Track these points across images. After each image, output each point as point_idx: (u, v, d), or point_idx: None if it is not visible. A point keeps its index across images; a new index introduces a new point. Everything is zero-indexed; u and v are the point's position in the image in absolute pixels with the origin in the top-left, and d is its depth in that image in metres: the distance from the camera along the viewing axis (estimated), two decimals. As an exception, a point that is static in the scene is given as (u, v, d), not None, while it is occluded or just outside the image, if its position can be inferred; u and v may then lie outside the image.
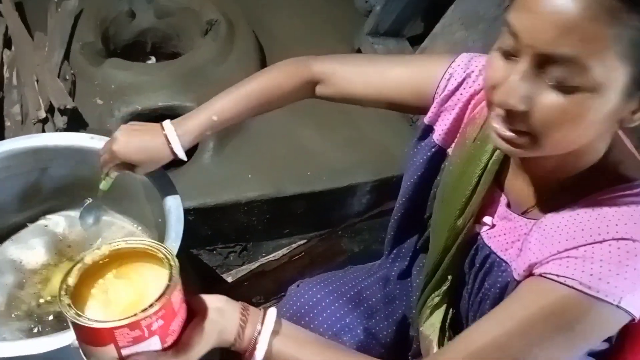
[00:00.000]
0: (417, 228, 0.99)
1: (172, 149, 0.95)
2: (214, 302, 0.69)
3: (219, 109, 0.96)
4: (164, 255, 0.66)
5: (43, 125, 1.47)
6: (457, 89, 0.84)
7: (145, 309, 0.59)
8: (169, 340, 0.65)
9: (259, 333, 0.69)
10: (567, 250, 0.65)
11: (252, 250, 1.75)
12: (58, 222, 1.21)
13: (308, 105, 1.86)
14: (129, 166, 0.97)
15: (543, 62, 0.58)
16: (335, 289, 1.02)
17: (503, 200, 0.80)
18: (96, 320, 0.59)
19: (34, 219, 1.20)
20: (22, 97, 1.55)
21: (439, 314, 0.92)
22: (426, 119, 0.89)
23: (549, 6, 0.56)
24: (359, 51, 2.11)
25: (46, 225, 1.21)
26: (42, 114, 1.47)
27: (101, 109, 1.61)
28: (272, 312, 0.72)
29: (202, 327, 0.66)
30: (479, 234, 0.82)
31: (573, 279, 0.63)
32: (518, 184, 0.78)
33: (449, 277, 0.87)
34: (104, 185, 1.03)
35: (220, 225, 1.65)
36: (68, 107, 1.49)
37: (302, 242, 1.65)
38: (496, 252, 0.79)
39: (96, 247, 0.67)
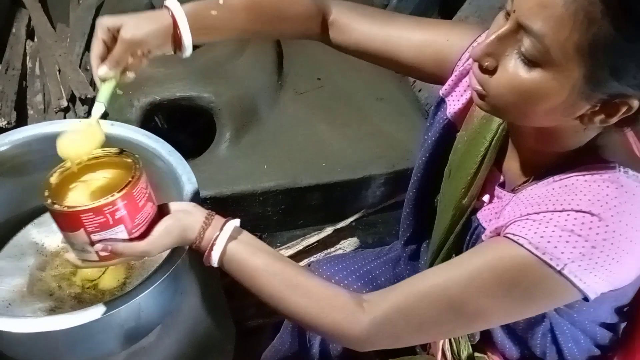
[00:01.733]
0: (430, 208, 1.00)
1: (177, 28, 0.77)
2: (183, 205, 0.78)
3: (224, 6, 0.81)
4: (132, 160, 0.77)
5: (65, 114, 1.51)
6: None
7: (107, 197, 0.70)
8: (135, 232, 0.74)
9: (218, 236, 0.75)
10: (529, 214, 0.67)
11: (267, 240, 1.78)
12: (77, 206, 1.24)
13: (323, 99, 1.89)
14: (138, 59, 0.78)
15: (520, 31, 0.60)
16: (345, 267, 1.03)
17: (500, 179, 0.81)
18: (66, 206, 0.70)
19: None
20: (45, 87, 1.58)
21: None
22: (441, 91, 0.89)
23: None
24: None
25: (67, 210, 1.24)
26: (64, 103, 1.50)
27: (121, 99, 1.64)
28: (234, 221, 0.78)
29: (166, 223, 0.75)
30: (477, 210, 0.84)
31: (525, 238, 0.65)
32: (513, 164, 0.79)
33: (453, 255, 0.89)
34: (102, 96, 0.81)
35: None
36: (89, 96, 1.53)
37: (316, 233, 1.67)
38: (482, 222, 0.82)
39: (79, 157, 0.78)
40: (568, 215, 0.64)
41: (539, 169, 0.74)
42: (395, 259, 1.08)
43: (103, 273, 1.12)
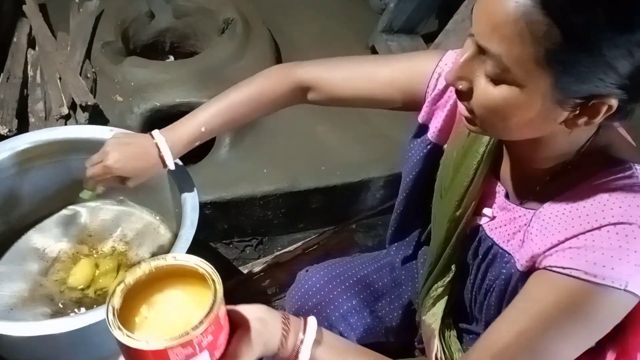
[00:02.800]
0: (419, 221, 1.01)
1: (163, 160, 0.97)
2: (255, 312, 0.69)
3: (206, 119, 0.98)
4: (205, 271, 0.65)
5: (65, 121, 1.52)
6: (447, 86, 0.85)
7: (196, 327, 0.59)
8: (217, 354, 0.64)
9: (302, 342, 0.70)
10: (567, 239, 0.67)
11: (267, 244, 1.78)
12: (80, 212, 1.26)
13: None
14: (119, 179, 0.98)
15: (482, 52, 0.62)
16: (342, 273, 1.04)
17: (501, 190, 0.81)
18: (151, 342, 0.58)
19: (56, 210, 1.25)
20: (46, 95, 1.60)
21: (441, 304, 0.94)
22: (420, 118, 0.91)
23: (484, 2, 0.60)
24: (372, 48, 2.13)
25: (69, 215, 1.25)
26: (65, 110, 1.51)
27: (121, 106, 1.66)
28: (312, 321, 0.72)
29: (248, 338, 0.66)
30: (480, 225, 0.84)
31: (578, 270, 0.65)
32: (513, 174, 0.80)
33: (453, 267, 0.89)
34: (85, 194, 1.05)
35: (236, 219, 1.68)
36: (89, 103, 1.54)
37: (316, 235, 1.68)
38: (499, 243, 0.81)
39: (137, 266, 0.67)
40: (608, 232, 0.64)
41: (543, 177, 0.74)
42: (391, 263, 1.08)
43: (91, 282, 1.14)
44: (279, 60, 1.99)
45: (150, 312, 0.67)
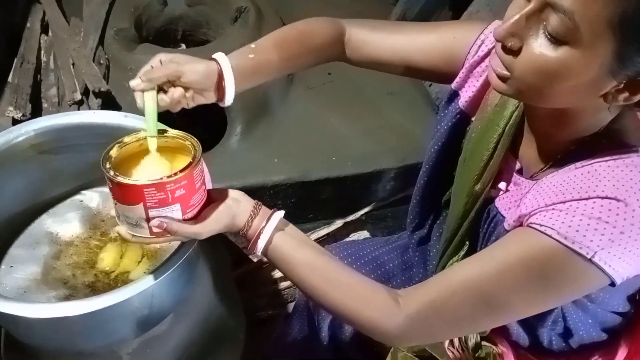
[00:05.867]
0: (439, 197, 1.01)
1: (220, 75, 0.83)
2: (232, 193, 0.81)
3: (255, 48, 0.88)
4: (191, 143, 0.79)
5: (78, 107, 1.53)
6: (487, 55, 0.84)
7: (170, 175, 0.72)
8: (189, 213, 0.77)
9: (265, 226, 0.77)
10: (554, 203, 0.67)
11: (278, 233, 1.79)
12: (92, 197, 1.26)
13: (334, 93, 1.89)
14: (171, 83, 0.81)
15: (546, 9, 0.60)
16: (355, 252, 1.05)
17: (516, 166, 0.82)
18: (131, 179, 0.73)
19: (69, 194, 1.25)
20: (59, 80, 1.60)
21: None
22: (453, 84, 0.90)
23: None
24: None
25: (81, 201, 1.25)
26: (78, 96, 1.52)
27: (133, 93, 1.65)
28: (280, 212, 0.80)
29: (218, 208, 0.77)
30: (494, 199, 0.84)
31: (552, 229, 0.65)
32: (530, 151, 0.80)
33: (467, 242, 0.89)
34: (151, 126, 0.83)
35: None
36: (102, 89, 1.54)
37: (326, 226, 1.68)
38: (501, 211, 0.82)
39: (136, 133, 0.82)
40: (594, 202, 0.64)
41: (556, 154, 0.74)
42: (403, 246, 1.09)
43: (119, 266, 1.14)
44: (291, 50, 1.98)
45: (138, 169, 0.80)
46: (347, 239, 1.08)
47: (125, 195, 0.74)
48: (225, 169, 1.61)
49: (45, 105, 1.54)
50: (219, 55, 0.84)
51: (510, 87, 0.67)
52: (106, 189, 1.26)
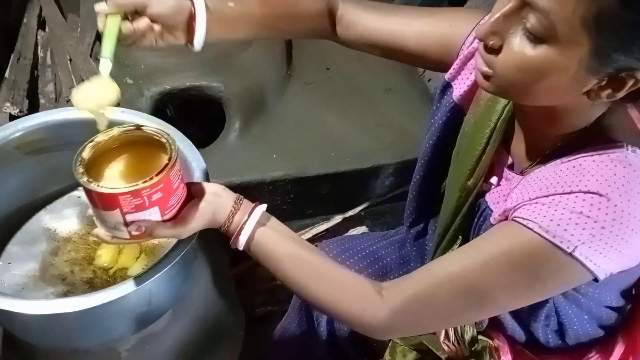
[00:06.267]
0: (436, 192, 1.01)
1: (192, 11, 0.77)
2: (212, 187, 0.78)
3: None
4: (167, 140, 0.75)
5: (76, 103, 1.52)
6: None
7: (146, 180, 0.69)
8: (168, 214, 0.75)
9: (246, 221, 0.76)
10: (538, 197, 0.67)
11: (276, 229, 1.79)
12: (90, 194, 1.26)
13: (332, 89, 1.89)
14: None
15: (525, 8, 0.60)
16: (352, 247, 1.05)
17: (508, 161, 0.82)
18: (105, 187, 0.69)
19: (67, 191, 1.25)
20: (56, 77, 1.60)
21: None
22: (447, 76, 0.89)
23: None
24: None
25: (79, 197, 1.25)
26: (75, 92, 1.51)
27: (131, 89, 1.65)
28: (262, 206, 0.79)
29: (198, 206, 0.75)
30: (485, 193, 0.84)
31: (534, 222, 0.65)
32: (520, 147, 0.79)
33: (460, 236, 0.89)
34: (108, 47, 0.76)
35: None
36: (100, 85, 1.54)
37: (325, 222, 1.68)
38: (489, 205, 0.82)
39: (108, 129, 0.77)
40: (577, 197, 0.64)
41: (545, 150, 0.74)
42: (401, 241, 1.09)
43: (117, 262, 1.14)
44: (289, 46, 1.97)
45: (112, 170, 0.77)
46: (345, 235, 1.08)
47: (100, 201, 0.71)
48: (224, 166, 1.61)
49: (42, 101, 1.54)
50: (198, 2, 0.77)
51: (493, 85, 0.67)
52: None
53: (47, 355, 1.06)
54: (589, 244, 0.63)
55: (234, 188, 1.57)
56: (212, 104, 1.70)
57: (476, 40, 0.83)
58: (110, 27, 0.75)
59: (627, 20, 0.55)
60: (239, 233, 0.76)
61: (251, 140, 1.68)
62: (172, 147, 0.74)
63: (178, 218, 0.75)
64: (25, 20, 1.75)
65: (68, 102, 1.51)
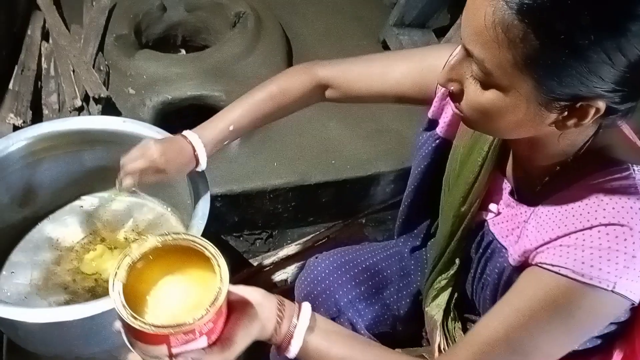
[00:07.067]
0: (427, 214, 1.02)
1: (197, 159, 0.99)
2: (252, 295, 0.71)
3: (234, 118, 1.00)
4: (211, 254, 0.66)
5: (79, 113, 1.53)
6: None
7: (201, 317, 0.61)
8: (214, 337, 0.67)
9: (295, 328, 0.72)
10: (559, 237, 0.67)
11: (277, 237, 1.80)
12: (92, 202, 1.27)
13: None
14: (156, 175, 0.96)
15: (469, 57, 0.62)
16: (351, 260, 1.05)
17: (507, 187, 0.82)
18: (155, 326, 0.60)
19: (69, 200, 1.26)
20: (59, 87, 1.61)
21: (444, 296, 0.95)
22: (430, 113, 0.92)
23: (471, 7, 0.60)
24: (384, 43, 2.13)
25: (81, 206, 1.26)
26: (78, 103, 1.53)
27: (133, 99, 1.67)
28: (306, 307, 0.74)
29: (243, 323, 0.68)
30: (486, 220, 0.84)
31: (567, 268, 0.65)
32: (517, 172, 0.80)
33: (457, 260, 0.90)
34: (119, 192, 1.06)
35: (247, 212, 1.69)
36: (102, 96, 1.55)
37: (325, 229, 1.68)
38: (498, 238, 0.81)
39: (144, 240, 0.68)
40: (599, 232, 0.64)
41: (542, 176, 0.74)
42: (400, 252, 1.09)
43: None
44: (289, 55, 1.99)
45: (154, 291, 0.68)
46: (344, 247, 1.07)
47: (146, 338, 0.63)
48: (225, 174, 1.62)
49: (45, 112, 1.55)
50: (193, 138, 0.97)
51: (468, 123, 0.70)
52: (105, 194, 1.28)
53: (50, 364, 1.07)
54: (626, 277, 0.63)
55: (235, 196, 1.62)
56: (214, 112, 1.72)
57: None
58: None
59: (555, 59, 0.56)
60: (289, 342, 0.72)
61: (252, 149, 1.69)
62: (220, 264, 0.66)
63: (223, 339, 0.68)
64: (29, 31, 1.77)
65: (71, 113, 1.52)
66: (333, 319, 1.01)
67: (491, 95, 0.62)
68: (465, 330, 0.98)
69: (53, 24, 1.80)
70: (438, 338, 0.96)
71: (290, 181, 1.65)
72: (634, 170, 0.67)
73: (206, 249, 0.67)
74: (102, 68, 1.69)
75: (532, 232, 0.72)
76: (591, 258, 0.64)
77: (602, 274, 0.63)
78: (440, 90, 0.88)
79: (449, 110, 0.89)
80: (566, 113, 0.61)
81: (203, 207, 1.04)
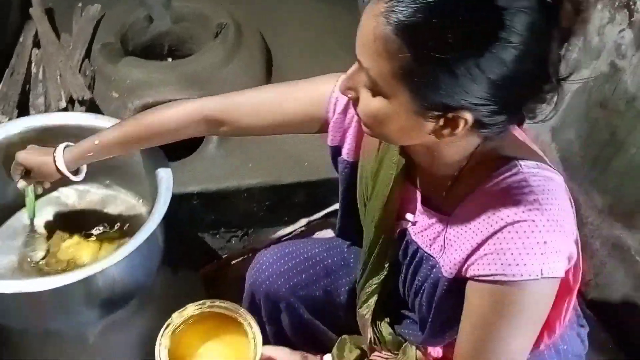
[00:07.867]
0: (359, 223, 1.04)
1: (57, 167, 1.10)
2: (279, 355, 0.86)
3: (103, 133, 1.09)
4: (245, 320, 0.82)
5: (63, 114, 1.62)
6: (346, 108, 0.91)
7: None
8: None
9: None
10: (479, 245, 0.75)
11: (253, 236, 1.86)
12: (68, 194, 1.36)
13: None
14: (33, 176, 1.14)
15: (361, 65, 0.69)
16: (294, 251, 1.13)
17: (419, 196, 0.87)
18: None
19: (47, 191, 1.34)
20: (46, 90, 1.71)
21: (374, 299, 1.00)
22: (330, 142, 0.97)
23: (361, 21, 0.67)
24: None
25: (58, 197, 1.35)
26: (63, 104, 1.62)
27: (116, 102, 1.76)
28: (327, 357, 0.85)
29: None
30: (406, 229, 0.90)
31: (498, 274, 0.73)
32: (422, 180, 0.86)
33: (386, 266, 0.95)
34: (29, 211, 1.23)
35: (222, 211, 1.77)
36: (86, 98, 1.64)
37: (290, 225, 1.76)
38: (422, 247, 0.87)
39: (184, 309, 0.86)
40: (509, 232, 0.72)
41: (445, 181, 0.81)
42: (341, 246, 1.15)
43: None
44: (269, 63, 2.08)
45: (195, 356, 0.84)
46: (287, 241, 1.15)
47: None
48: (202, 174, 1.69)
49: (32, 112, 1.64)
50: (58, 152, 1.10)
51: (365, 128, 0.76)
52: (81, 187, 1.37)
53: (19, 337, 1.15)
54: (547, 262, 0.71)
55: (211, 194, 1.70)
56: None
57: (337, 106, 0.92)
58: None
59: (425, 72, 0.63)
60: None
61: (229, 151, 1.77)
62: (254, 331, 0.82)
63: None
64: (21, 39, 1.88)
65: (56, 113, 1.61)
66: (276, 304, 1.10)
67: (378, 102, 0.69)
68: (398, 322, 1.03)
69: (44, 33, 1.90)
70: (370, 334, 1.03)
71: (264, 181, 1.72)
72: (520, 165, 0.74)
73: (238, 314, 0.83)
74: (87, 73, 1.79)
75: (455, 242, 0.79)
76: (513, 258, 0.71)
77: (527, 269, 0.71)
78: (332, 120, 0.93)
79: (349, 135, 0.93)
80: (442, 123, 0.68)
81: (165, 196, 1.12)
